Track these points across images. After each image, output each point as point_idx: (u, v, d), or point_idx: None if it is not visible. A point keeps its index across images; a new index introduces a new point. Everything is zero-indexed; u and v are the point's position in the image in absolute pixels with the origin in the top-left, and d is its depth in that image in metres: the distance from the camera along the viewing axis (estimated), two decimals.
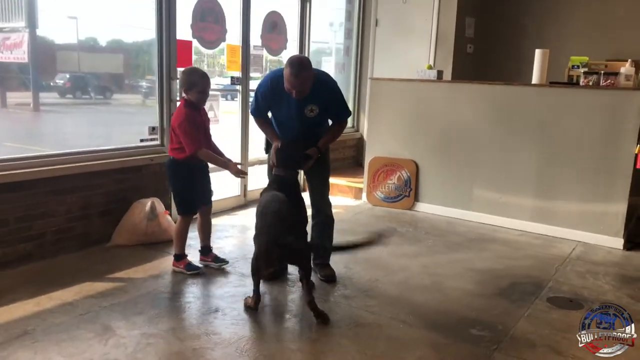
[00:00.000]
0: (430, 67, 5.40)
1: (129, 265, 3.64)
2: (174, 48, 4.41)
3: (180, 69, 4.57)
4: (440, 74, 5.31)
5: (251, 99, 3.67)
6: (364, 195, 5.76)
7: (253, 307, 3.04)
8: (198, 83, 3.25)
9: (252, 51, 5.34)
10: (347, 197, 5.92)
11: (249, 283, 3.38)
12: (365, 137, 6.31)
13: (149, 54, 4.43)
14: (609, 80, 4.36)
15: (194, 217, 3.62)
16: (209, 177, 3.53)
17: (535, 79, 4.78)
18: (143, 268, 3.62)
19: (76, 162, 3.82)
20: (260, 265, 3.06)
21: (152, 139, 4.44)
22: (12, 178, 3.42)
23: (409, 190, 5.49)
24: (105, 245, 4.02)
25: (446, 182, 5.31)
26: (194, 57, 4.73)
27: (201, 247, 3.62)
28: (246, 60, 5.25)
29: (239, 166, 3.46)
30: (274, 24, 5.65)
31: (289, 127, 3.40)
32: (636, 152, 4.29)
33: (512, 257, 4.18)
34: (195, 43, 4.72)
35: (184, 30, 4.60)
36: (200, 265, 3.48)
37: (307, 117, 3.31)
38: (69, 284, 3.26)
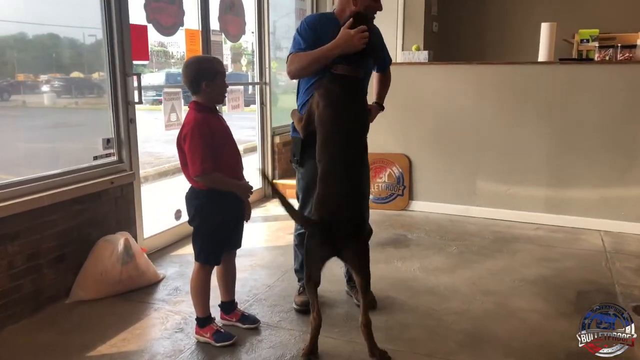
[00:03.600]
0: (418, 48, 4.79)
1: (112, 331, 2.68)
2: (127, 35, 3.41)
3: (137, 62, 3.61)
4: (430, 55, 4.72)
5: None
6: None
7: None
8: (218, 68, 2.39)
9: (212, 37, 4.42)
10: None
11: (288, 339, 2.60)
12: None
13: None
14: (627, 54, 4.00)
15: None
16: (243, 212, 2.60)
17: (542, 56, 4.34)
18: (132, 333, 2.68)
19: (16, 198, 2.76)
20: (315, 254, 2.35)
21: (107, 155, 3.43)
22: None
23: (402, 188, 4.89)
24: (64, 302, 3.00)
25: (444, 176, 4.76)
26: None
27: (222, 302, 2.73)
28: (207, 47, 4.32)
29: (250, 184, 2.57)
30: (231, 4, 4.73)
31: None
32: None
33: (550, 258, 3.71)
34: (150, 29, 3.73)
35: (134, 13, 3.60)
36: (233, 335, 2.58)
37: None
38: None
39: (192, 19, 4.19)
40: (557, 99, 4.28)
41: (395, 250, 3.89)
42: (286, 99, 5.91)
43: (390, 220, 4.63)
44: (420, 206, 4.86)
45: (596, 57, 4.15)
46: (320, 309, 2.46)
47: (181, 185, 2.68)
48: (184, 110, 4.02)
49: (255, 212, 4.93)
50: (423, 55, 4.68)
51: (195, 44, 4.21)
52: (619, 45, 4.03)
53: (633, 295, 3.09)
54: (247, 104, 6.85)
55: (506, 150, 4.50)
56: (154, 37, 3.96)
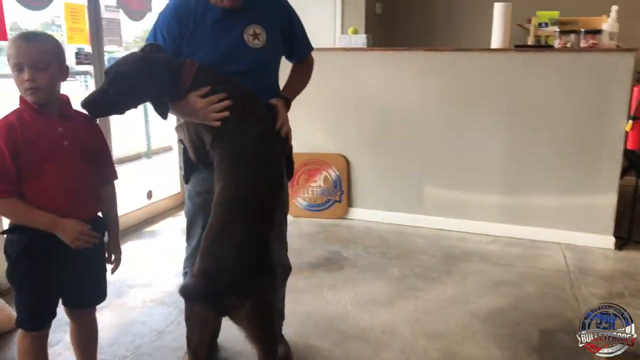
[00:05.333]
0: (355, 31, 4.12)
1: None
2: None
3: None
4: (370, 39, 4.05)
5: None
6: None
7: None
8: (8, 54, 1.61)
9: (105, 13, 3.61)
10: None
11: None
12: None
13: None
14: (591, 41, 3.45)
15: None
16: (95, 257, 1.83)
17: (495, 43, 3.75)
18: None
19: None
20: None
21: None
22: None
23: (340, 194, 4.24)
24: None
25: (387, 180, 4.14)
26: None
27: None
28: (96, 27, 3.51)
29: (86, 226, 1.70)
30: None
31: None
32: (627, 129, 3.47)
33: (507, 282, 3.15)
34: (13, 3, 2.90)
35: None
36: None
37: (249, 48, 1.88)
38: None
39: None
40: (513, 93, 3.70)
41: (326, 274, 3.23)
42: None
43: (325, 231, 3.97)
44: (361, 214, 4.23)
45: (556, 43, 3.59)
46: None
47: None
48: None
49: (170, 224, 4.20)
50: (361, 40, 4.01)
51: (79, 21, 3.39)
52: (582, 30, 3.48)
53: None
54: None
55: (456, 151, 3.91)
56: (20, 12, 3.14)
